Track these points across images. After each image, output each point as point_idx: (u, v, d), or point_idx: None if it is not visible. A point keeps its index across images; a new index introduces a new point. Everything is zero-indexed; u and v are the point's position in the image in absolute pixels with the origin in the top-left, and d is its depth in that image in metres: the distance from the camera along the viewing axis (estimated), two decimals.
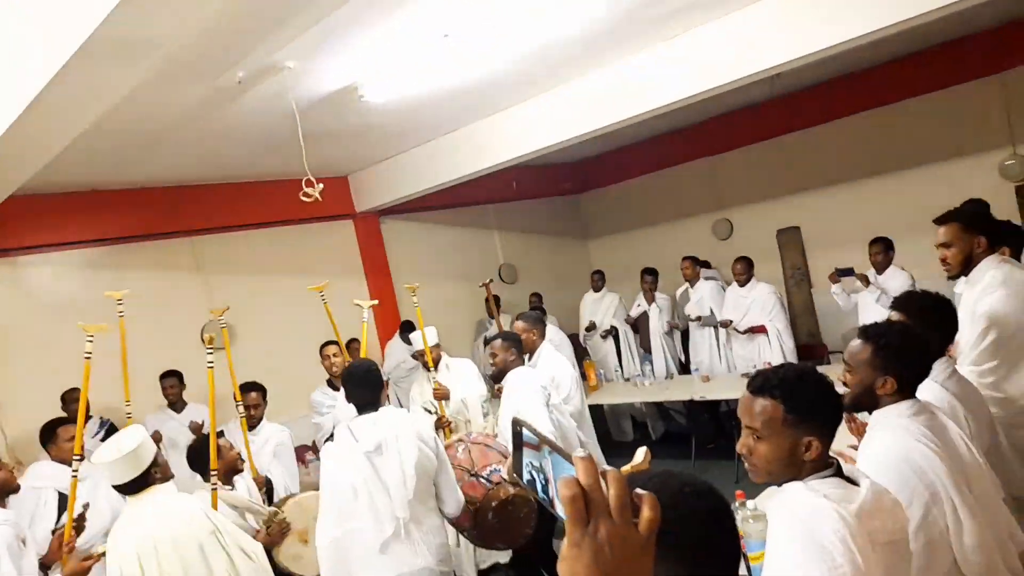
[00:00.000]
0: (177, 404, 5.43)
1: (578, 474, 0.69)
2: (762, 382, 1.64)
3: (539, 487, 0.80)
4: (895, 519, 1.59)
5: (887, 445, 1.92)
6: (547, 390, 3.83)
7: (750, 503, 2.42)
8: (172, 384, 5.40)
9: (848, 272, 5.79)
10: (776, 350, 6.07)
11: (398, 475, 2.89)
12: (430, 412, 4.59)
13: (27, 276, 5.63)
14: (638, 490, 0.72)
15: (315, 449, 5.19)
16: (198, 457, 3.37)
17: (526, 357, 4.33)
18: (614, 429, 7.32)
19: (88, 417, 4.81)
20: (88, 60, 2.25)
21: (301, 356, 6.08)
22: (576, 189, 10.47)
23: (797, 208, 8.26)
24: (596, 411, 6.73)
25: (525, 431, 0.84)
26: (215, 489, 3.25)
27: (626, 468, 2.85)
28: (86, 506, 3.37)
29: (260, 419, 4.41)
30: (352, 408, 4.42)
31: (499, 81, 4.99)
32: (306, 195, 4.00)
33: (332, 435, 4.85)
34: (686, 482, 1.13)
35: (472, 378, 4.76)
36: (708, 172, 9.01)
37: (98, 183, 5.67)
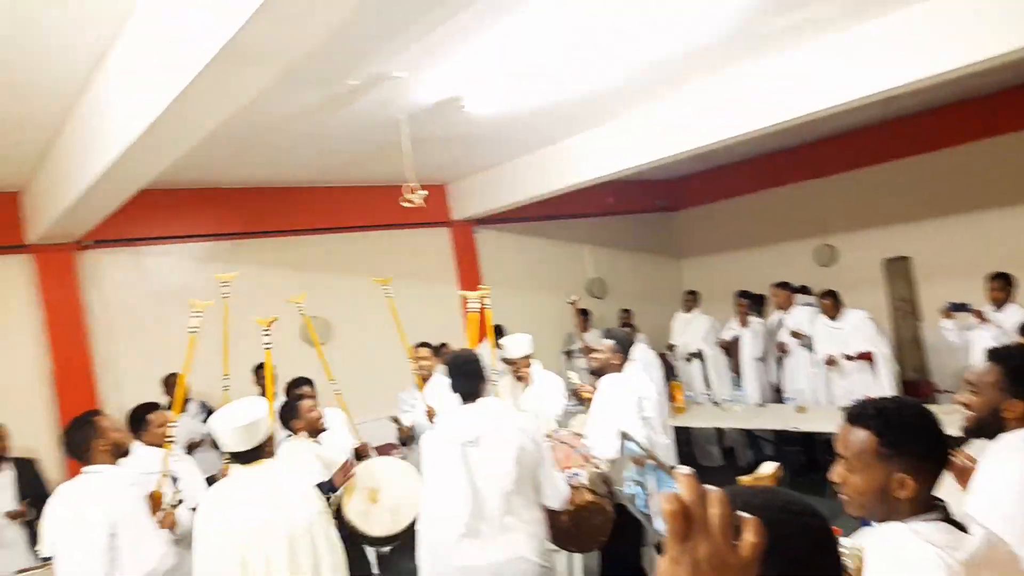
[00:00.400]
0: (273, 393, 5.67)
1: (680, 489, 0.69)
2: (859, 411, 1.58)
3: (639, 500, 0.80)
4: (1010, 572, 1.48)
5: (1021, 467, 1.80)
6: (641, 400, 3.78)
7: (845, 541, 2.31)
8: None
9: (962, 307, 5.46)
10: (884, 380, 5.75)
11: (496, 467, 2.89)
12: None
13: (148, 265, 6.05)
14: (742, 513, 0.71)
15: (396, 446, 5.29)
16: (286, 414, 3.77)
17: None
18: (699, 453, 7.13)
19: (187, 399, 5.12)
20: (224, 66, 2.41)
21: (390, 358, 6.24)
22: (671, 206, 10.32)
23: (908, 237, 7.84)
24: (681, 434, 6.58)
25: (630, 444, 0.84)
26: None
27: (747, 478, 2.79)
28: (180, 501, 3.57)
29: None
30: (422, 414, 4.52)
31: (601, 96, 5.00)
32: (408, 200, 4.11)
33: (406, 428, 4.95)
34: (790, 500, 1.08)
35: (554, 395, 4.69)
36: (812, 195, 8.69)
37: (214, 181, 6.05)
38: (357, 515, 3.47)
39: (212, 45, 2.33)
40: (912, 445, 1.50)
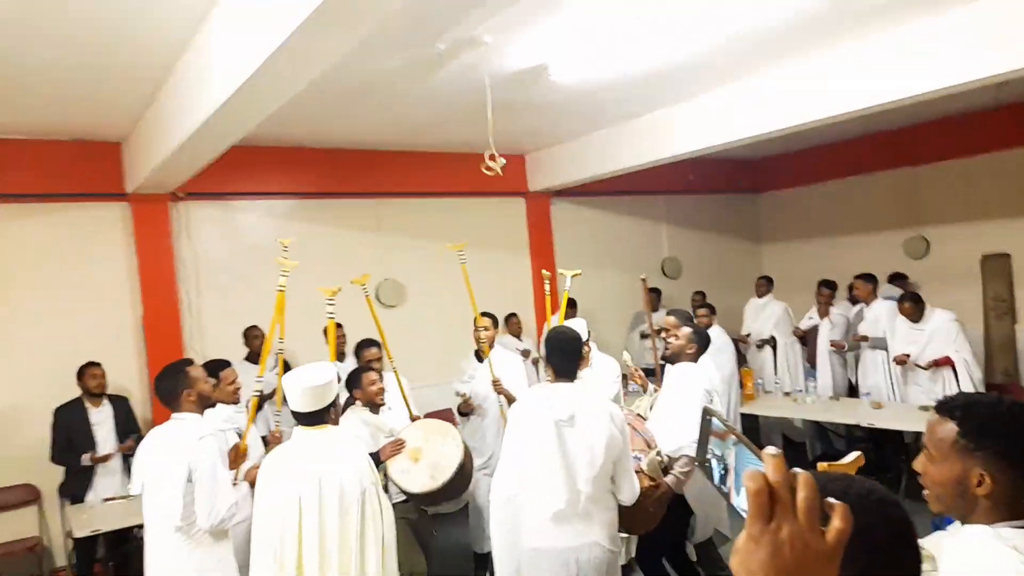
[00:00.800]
0: (342, 355, 5.82)
1: (767, 469, 0.67)
2: (949, 401, 1.55)
3: (717, 475, 0.79)
4: None
5: None
6: (710, 394, 3.69)
7: (920, 542, 2.23)
8: (339, 335, 5.80)
9: None
10: (965, 384, 5.44)
11: (586, 450, 2.85)
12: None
13: (235, 219, 6.28)
14: (831, 499, 0.70)
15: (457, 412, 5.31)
16: (351, 381, 3.95)
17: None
18: (764, 442, 6.98)
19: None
20: (317, 25, 2.45)
21: (460, 323, 6.31)
22: (754, 188, 10.01)
23: (1010, 233, 7.37)
24: (750, 422, 6.46)
25: (715, 420, 0.83)
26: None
27: (823, 465, 2.73)
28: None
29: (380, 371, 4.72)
30: (481, 383, 4.60)
31: (689, 69, 4.85)
32: (488, 168, 4.12)
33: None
34: (872, 489, 1.05)
35: (607, 381, 4.51)
36: (907, 184, 8.26)
37: (300, 140, 6.21)
38: (399, 472, 3.63)
39: (307, 4, 2.37)
40: (995, 443, 1.43)
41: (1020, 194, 7.31)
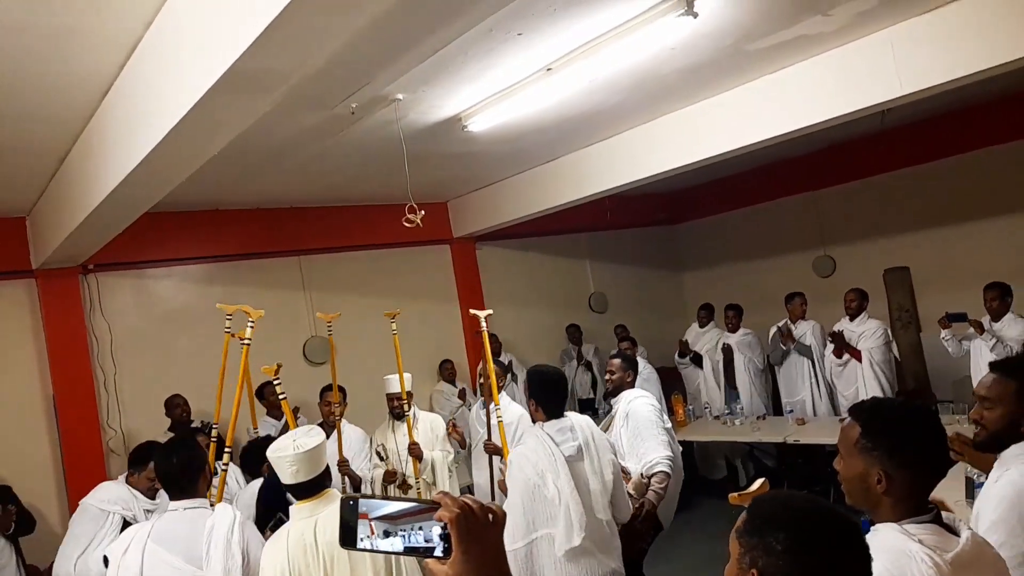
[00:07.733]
0: (276, 412, 5.68)
1: (447, 504, 0.90)
2: (858, 404, 1.66)
3: (411, 539, 0.92)
4: (996, 574, 1.51)
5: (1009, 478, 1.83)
6: (662, 412, 3.93)
7: None
8: (272, 392, 5.66)
9: (960, 317, 5.49)
10: (869, 377, 5.83)
11: (597, 479, 2.95)
12: (381, 457, 4.61)
13: (150, 287, 6.09)
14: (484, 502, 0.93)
15: None
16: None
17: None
18: (703, 466, 7.13)
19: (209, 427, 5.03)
20: (225, 91, 2.45)
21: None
22: (672, 220, 10.37)
23: (907, 248, 7.89)
24: (686, 448, 6.57)
25: (363, 502, 0.94)
26: None
27: (734, 496, 2.87)
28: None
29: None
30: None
31: (599, 112, 5.06)
32: (408, 220, 4.16)
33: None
34: (818, 506, 1.17)
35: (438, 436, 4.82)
36: (812, 207, 8.75)
37: (217, 202, 6.10)
38: None
39: (212, 73, 2.38)
40: (888, 443, 1.53)
41: (913, 211, 7.85)
